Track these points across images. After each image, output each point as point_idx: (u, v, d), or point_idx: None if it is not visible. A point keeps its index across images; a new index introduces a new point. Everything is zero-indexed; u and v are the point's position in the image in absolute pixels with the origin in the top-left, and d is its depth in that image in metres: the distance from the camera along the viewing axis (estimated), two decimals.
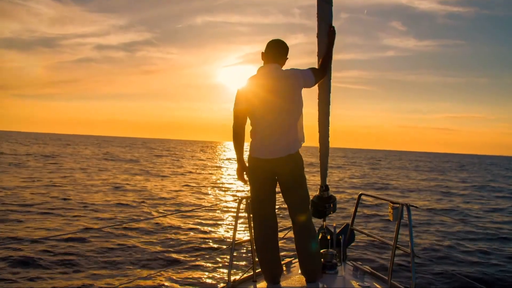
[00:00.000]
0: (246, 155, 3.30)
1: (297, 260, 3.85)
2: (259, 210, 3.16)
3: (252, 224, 3.41)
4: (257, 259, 3.39)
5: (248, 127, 3.21)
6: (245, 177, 3.24)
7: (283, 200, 3.25)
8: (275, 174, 3.10)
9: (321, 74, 3.29)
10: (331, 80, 3.49)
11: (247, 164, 3.22)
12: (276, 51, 3.17)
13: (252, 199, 3.19)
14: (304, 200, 3.18)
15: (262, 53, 3.19)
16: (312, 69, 3.25)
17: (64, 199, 15.55)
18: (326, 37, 3.40)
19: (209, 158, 56.02)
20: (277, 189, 3.25)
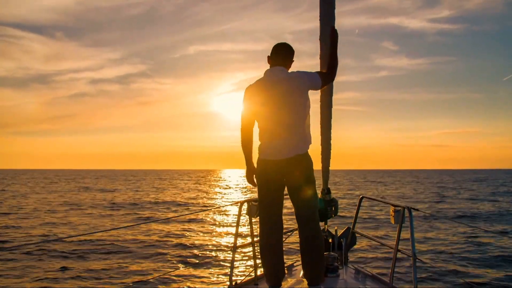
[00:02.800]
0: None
1: (299, 263, 3.84)
2: (266, 212, 3.13)
3: (255, 227, 3.41)
4: (258, 262, 3.39)
5: (256, 130, 3.21)
6: (254, 179, 3.20)
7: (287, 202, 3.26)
8: (283, 175, 3.07)
9: (328, 77, 3.29)
10: (333, 82, 3.50)
11: (255, 167, 3.22)
12: (282, 53, 3.18)
13: (260, 201, 3.16)
14: (312, 201, 3.16)
15: (268, 56, 3.20)
16: (319, 72, 3.26)
17: None
18: (329, 39, 3.41)
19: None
20: (284, 191, 3.24)
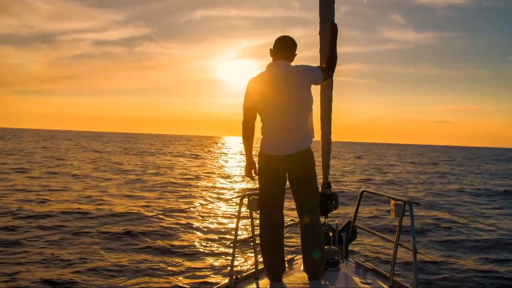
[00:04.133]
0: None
1: (299, 257, 3.84)
2: (268, 207, 3.14)
3: (254, 221, 3.40)
4: (259, 256, 3.39)
5: (258, 124, 3.20)
6: (253, 174, 3.21)
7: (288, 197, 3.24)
8: (286, 170, 3.08)
9: (329, 72, 3.30)
10: (333, 77, 3.49)
11: (255, 161, 3.21)
12: (284, 47, 3.16)
13: (261, 196, 3.17)
14: (314, 196, 3.18)
15: (270, 49, 3.18)
16: (320, 67, 3.25)
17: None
18: (329, 34, 3.39)
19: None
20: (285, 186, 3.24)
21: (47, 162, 30.37)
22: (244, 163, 3.28)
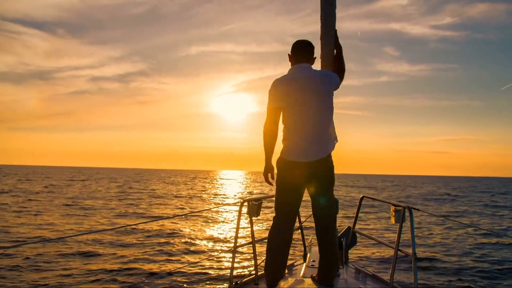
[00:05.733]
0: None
1: (299, 263, 3.84)
2: (284, 214, 3.06)
3: (255, 227, 3.40)
4: (259, 262, 3.39)
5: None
6: (270, 179, 3.07)
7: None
8: (307, 178, 3.00)
9: (342, 78, 3.30)
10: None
11: (274, 166, 3.07)
12: (307, 50, 3.11)
13: (278, 202, 3.07)
14: (333, 203, 3.12)
15: (289, 55, 3.15)
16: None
17: None
18: (329, 40, 3.42)
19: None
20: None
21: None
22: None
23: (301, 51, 3.10)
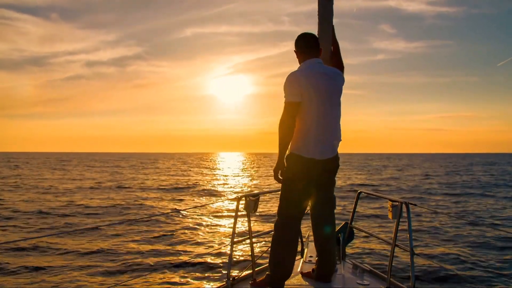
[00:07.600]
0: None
1: (296, 258, 3.84)
2: (295, 212, 3.00)
3: (251, 222, 3.38)
4: (256, 257, 3.38)
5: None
6: (280, 176, 2.98)
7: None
8: (319, 174, 2.96)
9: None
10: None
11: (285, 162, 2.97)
12: (315, 45, 3.04)
13: (289, 199, 2.99)
14: (334, 200, 3.16)
15: (296, 51, 3.08)
16: None
17: None
18: (327, 35, 3.40)
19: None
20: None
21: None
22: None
23: (315, 46, 3.03)
